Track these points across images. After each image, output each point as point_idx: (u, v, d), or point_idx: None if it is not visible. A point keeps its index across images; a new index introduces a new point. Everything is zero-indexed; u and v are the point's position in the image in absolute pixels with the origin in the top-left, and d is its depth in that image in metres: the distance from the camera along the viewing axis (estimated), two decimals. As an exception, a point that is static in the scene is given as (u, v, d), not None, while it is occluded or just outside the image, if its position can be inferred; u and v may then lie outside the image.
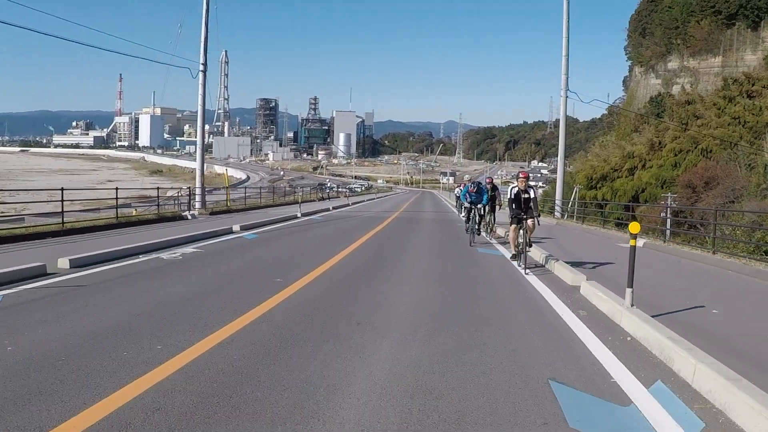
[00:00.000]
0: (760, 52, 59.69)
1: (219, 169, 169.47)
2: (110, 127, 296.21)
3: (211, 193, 38.99)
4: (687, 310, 6.31)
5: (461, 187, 22.45)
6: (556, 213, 26.97)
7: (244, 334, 5.05)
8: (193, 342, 4.73)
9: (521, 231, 9.65)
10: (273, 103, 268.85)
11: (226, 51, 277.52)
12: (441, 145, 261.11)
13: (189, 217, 19.76)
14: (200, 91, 22.80)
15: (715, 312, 6.35)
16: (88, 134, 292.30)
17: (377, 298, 6.97)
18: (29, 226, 13.47)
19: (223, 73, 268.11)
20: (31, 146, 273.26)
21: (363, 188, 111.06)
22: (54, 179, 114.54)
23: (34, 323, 5.28)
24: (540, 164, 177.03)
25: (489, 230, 15.82)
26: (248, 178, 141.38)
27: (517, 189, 9.73)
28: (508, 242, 10.97)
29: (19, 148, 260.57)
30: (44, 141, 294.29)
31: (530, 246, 10.35)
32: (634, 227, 6.18)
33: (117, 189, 15.63)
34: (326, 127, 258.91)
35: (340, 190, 78.65)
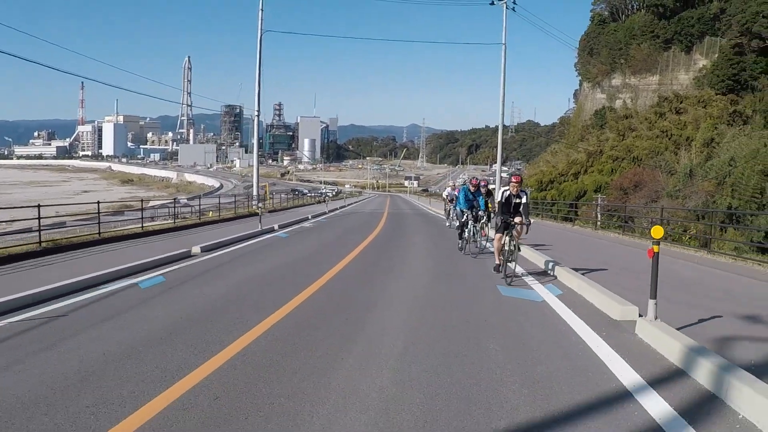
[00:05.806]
0: (692, 73, 70.73)
1: (189, 177, 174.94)
2: (73, 137, 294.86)
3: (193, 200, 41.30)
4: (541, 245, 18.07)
5: (455, 190, 20.39)
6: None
7: (373, 242, 16.55)
8: (359, 242, 16.05)
9: (507, 238, 9.22)
10: (238, 110, 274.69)
11: (189, 57, 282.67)
12: (404, 149, 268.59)
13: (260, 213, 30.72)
14: (255, 130, 33.96)
15: (550, 245, 18.19)
16: (50, 144, 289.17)
17: (406, 238, 18.68)
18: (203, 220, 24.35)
19: (186, 79, 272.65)
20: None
21: (334, 193, 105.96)
22: (31, 191, 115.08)
23: (277, 250, 16.65)
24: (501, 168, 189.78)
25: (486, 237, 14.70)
26: (221, 186, 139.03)
27: (509, 193, 9.33)
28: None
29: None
30: (5, 152, 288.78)
31: (519, 249, 9.74)
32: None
33: (235, 197, 26.55)
34: (291, 133, 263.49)
35: (310, 195, 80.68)
